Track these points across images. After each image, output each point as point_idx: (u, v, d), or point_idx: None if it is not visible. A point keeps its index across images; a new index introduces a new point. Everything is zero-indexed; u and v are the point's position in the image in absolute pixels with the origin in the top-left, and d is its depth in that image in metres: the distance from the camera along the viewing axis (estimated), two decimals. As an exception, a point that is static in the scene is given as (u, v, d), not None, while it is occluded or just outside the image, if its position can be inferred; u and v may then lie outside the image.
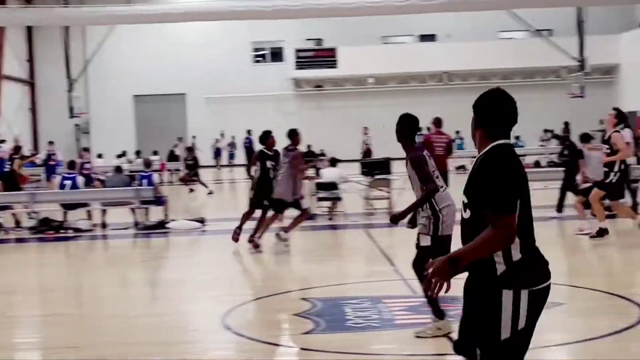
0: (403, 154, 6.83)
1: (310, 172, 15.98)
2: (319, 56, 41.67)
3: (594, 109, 34.43)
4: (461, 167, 29.48)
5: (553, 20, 38.66)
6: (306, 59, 41.72)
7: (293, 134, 12.58)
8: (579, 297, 8.46)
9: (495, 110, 3.79)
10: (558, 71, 39.62)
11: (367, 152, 33.25)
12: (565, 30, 37.32)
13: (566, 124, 25.81)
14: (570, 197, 14.58)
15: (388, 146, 14.37)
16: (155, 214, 16.47)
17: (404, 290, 8.94)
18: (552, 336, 6.90)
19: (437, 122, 15.56)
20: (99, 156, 33.32)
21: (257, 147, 32.50)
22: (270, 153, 12.79)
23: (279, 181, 12.40)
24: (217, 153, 39.28)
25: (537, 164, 28.85)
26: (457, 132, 33.40)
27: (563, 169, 15.24)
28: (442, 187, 6.78)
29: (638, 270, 10.54)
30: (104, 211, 16.65)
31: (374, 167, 16.65)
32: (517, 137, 32.53)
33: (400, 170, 17.98)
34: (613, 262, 11.17)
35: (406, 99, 40.95)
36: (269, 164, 12.65)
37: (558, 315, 7.44)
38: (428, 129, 20.95)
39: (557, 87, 39.02)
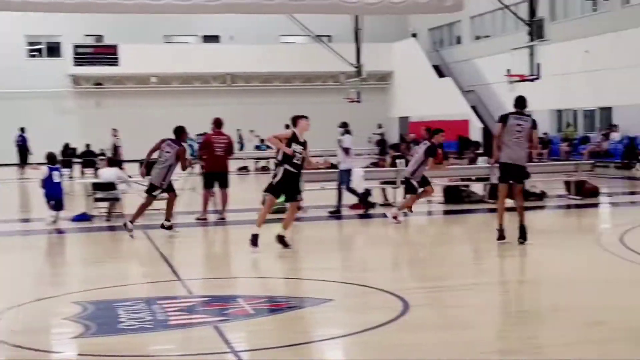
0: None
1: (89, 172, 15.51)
2: (99, 53, 40.56)
3: (369, 114, 35.99)
4: (243, 168, 29.71)
5: (332, 27, 40.01)
6: (86, 55, 40.46)
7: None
8: (349, 293, 8.78)
9: None
10: (337, 76, 41.00)
11: (116, 153, 31.16)
12: (344, 37, 38.72)
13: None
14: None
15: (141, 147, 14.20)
16: None
17: (180, 291, 8.95)
18: (323, 331, 7.16)
19: (217, 122, 15.61)
20: None
21: (30, 145, 31.03)
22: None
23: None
24: None
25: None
26: (238, 131, 33.74)
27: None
28: None
29: (403, 266, 11.11)
30: None
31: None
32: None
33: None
34: (380, 259, 11.68)
35: (189, 100, 40.94)
36: None
37: (328, 311, 7.76)
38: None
39: (336, 91, 40.39)
